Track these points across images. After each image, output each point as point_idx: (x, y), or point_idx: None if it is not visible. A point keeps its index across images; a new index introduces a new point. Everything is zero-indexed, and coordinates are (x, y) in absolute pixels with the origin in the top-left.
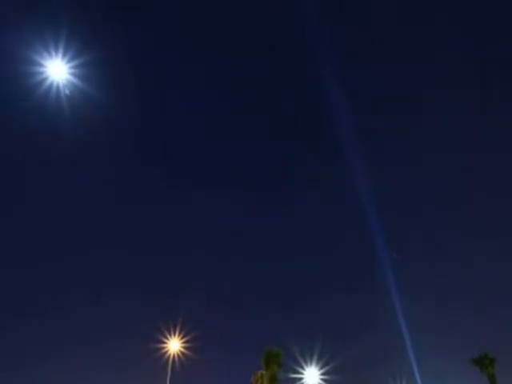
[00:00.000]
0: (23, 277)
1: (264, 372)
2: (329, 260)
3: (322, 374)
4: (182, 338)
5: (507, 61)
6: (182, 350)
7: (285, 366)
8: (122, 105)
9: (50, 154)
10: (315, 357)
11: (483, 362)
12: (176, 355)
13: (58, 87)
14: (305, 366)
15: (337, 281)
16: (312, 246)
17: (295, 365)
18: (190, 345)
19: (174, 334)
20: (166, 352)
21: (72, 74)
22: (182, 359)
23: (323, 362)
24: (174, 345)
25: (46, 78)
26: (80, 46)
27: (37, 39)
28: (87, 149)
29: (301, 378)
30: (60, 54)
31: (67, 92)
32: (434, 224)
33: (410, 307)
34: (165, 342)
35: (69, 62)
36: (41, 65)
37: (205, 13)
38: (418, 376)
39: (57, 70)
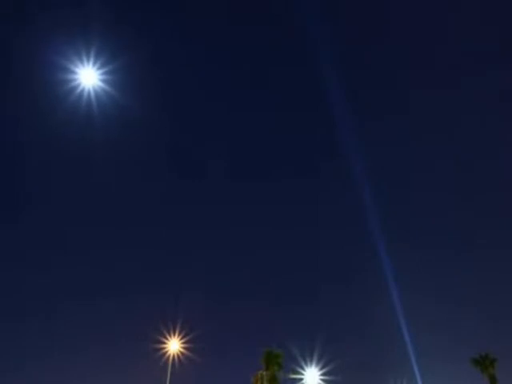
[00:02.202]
0: (23, 277)
1: (264, 372)
2: (329, 260)
3: (322, 375)
4: (181, 339)
5: (508, 60)
6: (181, 350)
7: (285, 367)
8: (150, 109)
9: (79, 157)
10: (315, 357)
11: (484, 363)
12: (176, 355)
13: (89, 93)
14: (305, 367)
15: (337, 281)
16: (312, 247)
17: (295, 365)
18: (190, 345)
19: (174, 335)
20: (166, 352)
21: (103, 81)
22: (182, 359)
23: (323, 363)
24: (174, 345)
25: (78, 85)
26: (111, 53)
27: (69, 47)
28: (113, 152)
29: (301, 379)
30: (91, 61)
31: (98, 98)
32: (434, 224)
33: (410, 308)
34: (164, 343)
35: (100, 68)
36: (73, 72)
37: (214, 17)
38: (418, 376)
39: (88, 77)
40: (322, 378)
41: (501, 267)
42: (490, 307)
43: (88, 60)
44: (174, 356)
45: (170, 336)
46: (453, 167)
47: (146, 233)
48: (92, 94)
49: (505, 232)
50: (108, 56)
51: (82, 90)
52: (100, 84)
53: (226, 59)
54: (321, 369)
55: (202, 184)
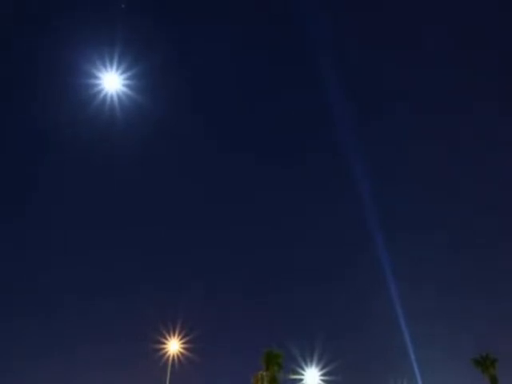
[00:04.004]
0: (23, 276)
1: (264, 373)
2: (329, 260)
3: (323, 375)
4: (181, 339)
5: (508, 61)
6: (181, 350)
7: (285, 367)
8: (173, 113)
9: (102, 162)
10: (315, 357)
11: (484, 363)
12: (175, 356)
13: (112, 98)
14: (305, 367)
15: (337, 281)
16: (312, 247)
17: (295, 365)
18: (190, 345)
19: (174, 335)
20: (166, 353)
21: (126, 85)
22: (182, 360)
23: (323, 363)
24: (174, 345)
25: (101, 90)
26: (133, 58)
27: (93, 52)
28: (132, 155)
29: (301, 379)
30: (114, 66)
31: (120, 102)
32: (434, 222)
33: (411, 308)
34: (164, 343)
35: (123, 73)
36: (96, 77)
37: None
38: (418, 376)
39: (111, 82)
40: (322, 378)
41: (502, 267)
42: (491, 307)
43: (111, 65)
44: (173, 356)
45: (170, 336)
46: (453, 166)
47: (146, 233)
48: (115, 98)
49: (505, 232)
50: (131, 60)
51: (105, 95)
52: (123, 89)
53: (231, 59)
54: (321, 369)
55: (202, 183)
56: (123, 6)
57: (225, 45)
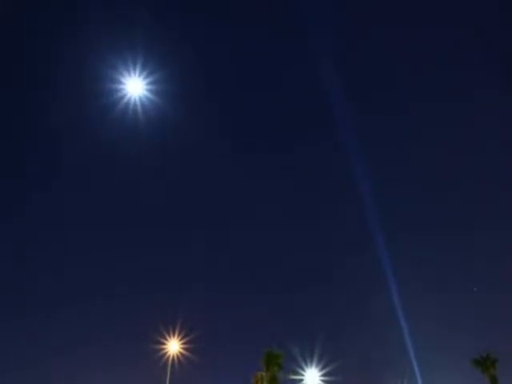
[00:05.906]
0: (23, 276)
1: (264, 373)
2: (329, 261)
3: (323, 375)
4: (181, 339)
5: (508, 61)
6: (181, 351)
7: (285, 367)
8: (196, 118)
9: (106, 162)
10: (315, 358)
11: (485, 364)
12: (175, 356)
13: (135, 103)
14: (305, 367)
15: (337, 281)
16: (312, 248)
17: (295, 366)
18: (190, 346)
19: (174, 335)
20: (166, 353)
21: (149, 90)
22: (182, 360)
23: (323, 363)
24: (174, 346)
25: (124, 95)
26: (157, 63)
27: (117, 59)
28: (143, 157)
29: (301, 380)
30: (138, 71)
31: (144, 107)
32: (434, 225)
33: (411, 308)
34: (164, 343)
35: (146, 78)
36: (120, 82)
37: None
38: (418, 376)
39: (135, 87)
40: (322, 378)
41: (502, 268)
42: (491, 307)
43: (134, 70)
44: (173, 356)
45: (170, 337)
46: (454, 167)
47: (146, 233)
48: (138, 103)
49: (506, 233)
50: (154, 66)
51: (129, 100)
52: (146, 93)
53: (231, 60)
54: (321, 369)
55: (203, 184)
56: (147, 14)
57: (226, 45)
